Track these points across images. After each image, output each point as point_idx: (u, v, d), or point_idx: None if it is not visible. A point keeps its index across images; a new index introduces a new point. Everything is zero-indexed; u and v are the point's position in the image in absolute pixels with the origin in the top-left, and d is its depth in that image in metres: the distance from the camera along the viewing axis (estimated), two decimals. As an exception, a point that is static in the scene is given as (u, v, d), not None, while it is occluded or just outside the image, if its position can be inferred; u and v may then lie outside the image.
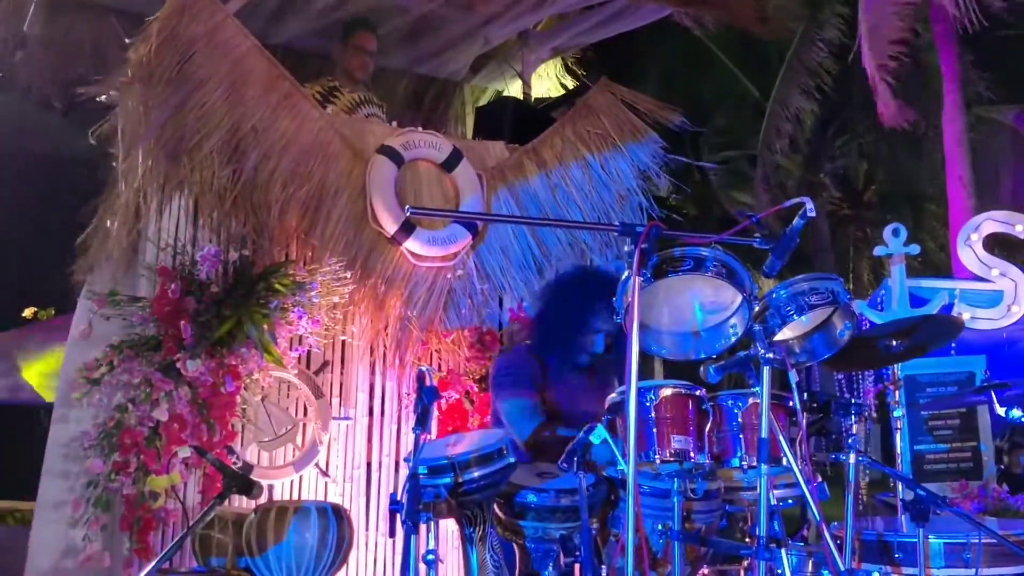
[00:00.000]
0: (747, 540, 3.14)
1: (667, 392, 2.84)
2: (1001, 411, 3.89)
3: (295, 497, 4.26)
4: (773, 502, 2.94)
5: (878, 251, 5.47)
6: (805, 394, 2.96)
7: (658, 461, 2.78)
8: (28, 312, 6.41)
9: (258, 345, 3.95)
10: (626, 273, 2.57)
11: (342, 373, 4.49)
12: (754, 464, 2.74)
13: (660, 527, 2.86)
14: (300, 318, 4.06)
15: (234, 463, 4.00)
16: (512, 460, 2.92)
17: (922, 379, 5.13)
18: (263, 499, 3.68)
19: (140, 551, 3.67)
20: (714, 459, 2.86)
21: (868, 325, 5.10)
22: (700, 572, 3.16)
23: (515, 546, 3.02)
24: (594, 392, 3.62)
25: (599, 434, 2.70)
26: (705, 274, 2.69)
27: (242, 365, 3.95)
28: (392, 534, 2.81)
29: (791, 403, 2.80)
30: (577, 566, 2.80)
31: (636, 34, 6.34)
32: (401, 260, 4.56)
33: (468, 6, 5.47)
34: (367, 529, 4.43)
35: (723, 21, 7.00)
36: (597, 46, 6.28)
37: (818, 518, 2.61)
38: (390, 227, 4.49)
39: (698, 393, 2.88)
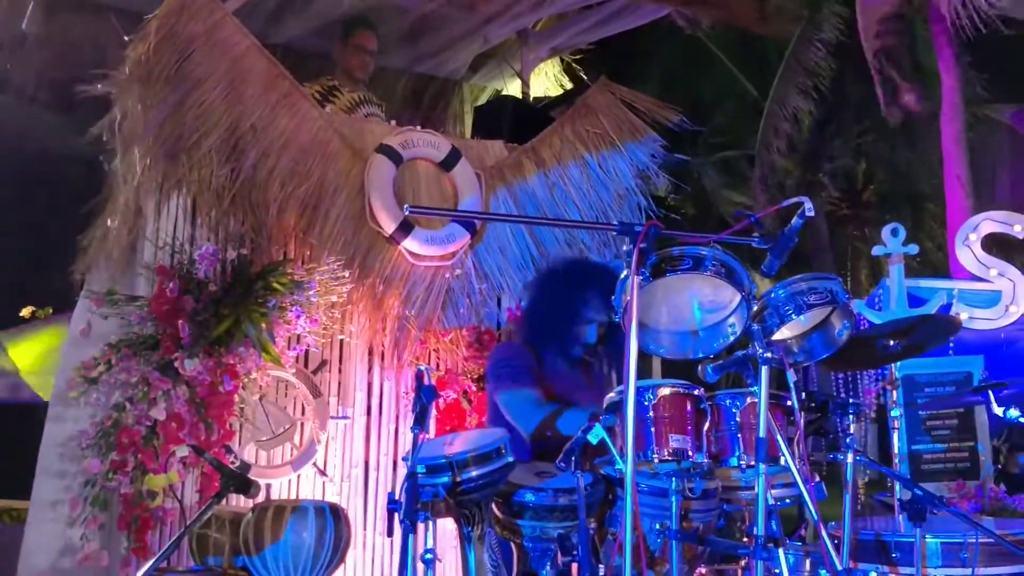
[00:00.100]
0: (745, 539, 3.15)
1: (665, 391, 2.84)
2: (999, 411, 3.89)
3: (293, 496, 4.26)
4: (771, 501, 2.94)
5: (876, 251, 5.47)
6: (803, 394, 2.96)
7: (656, 460, 2.78)
8: (26, 311, 6.40)
9: (256, 344, 3.95)
10: (625, 272, 2.57)
11: (340, 372, 4.49)
12: (752, 463, 2.74)
13: (658, 526, 2.86)
14: (298, 317, 4.06)
15: (232, 462, 4.00)
16: (510, 459, 2.93)
17: (920, 379, 5.12)
18: (261, 498, 3.67)
19: (138, 550, 3.67)
20: (712, 458, 2.86)
21: (867, 325, 5.10)
22: (697, 571, 3.17)
23: (513, 545, 3.02)
24: (590, 386, 3.62)
25: (597, 433, 2.70)
26: (704, 273, 2.69)
27: (240, 364, 3.94)
28: (390, 533, 2.81)
29: (789, 403, 2.81)
30: (575, 565, 2.80)
31: (636, 34, 6.35)
32: (399, 259, 4.56)
33: (468, 5, 5.47)
34: (365, 528, 4.43)
35: (722, 21, 7.00)
36: (596, 45, 6.27)
37: (816, 518, 2.62)
38: (388, 226, 4.49)
39: (696, 392, 2.88)
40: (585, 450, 2.75)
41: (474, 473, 2.83)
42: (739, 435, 2.85)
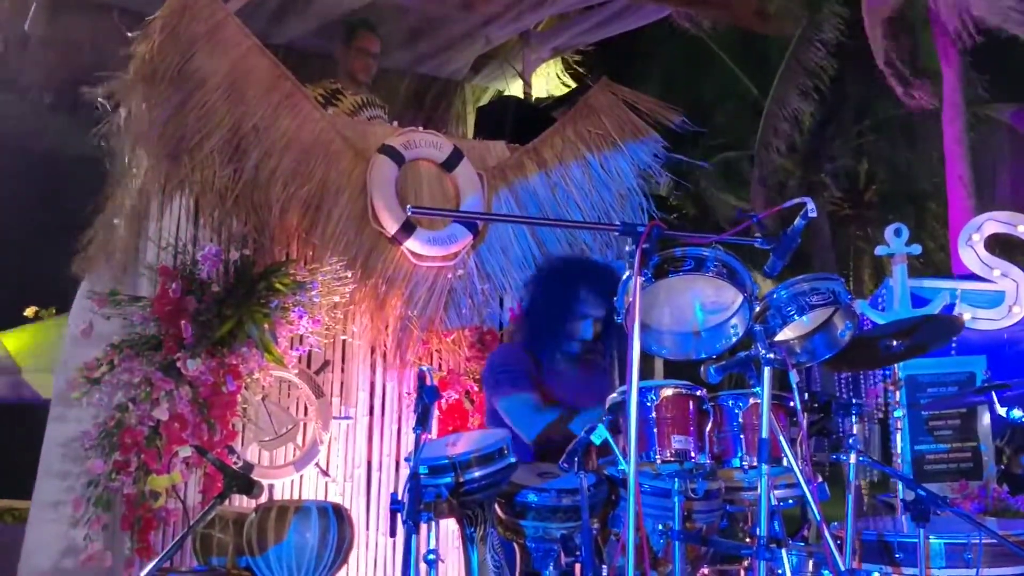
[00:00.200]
0: (748, 540, 3.14)
1: (668, 392, 2.83)
2: (1002, 411, 3.89)
3: (296, 497, 4.26)
4: (774, 502, 2.93)
5: (879, 251, 5.46)
6: (806, 394, 2.96)
7: (659, 461, 2.78)
8: (29, 311, 6.41)
9: (259, 344, 3.95)
10: (627, 273, 2.57)
11: (343, 372, 4.49)
12: (755, 464, 2.74)
13: (661, 527, 2.85)
14: (301, 317, 4.06)
15: (235, 463, 4.00)
16: (513, 460, 2.92)
17: (923, 379, 5.12)
18: (264, 499, 3.68)
19: (141, 550, 3.67)
20: (715, 459, 2.85)
21: (870, 325, 5.10)
22: (700, 572, 3.17)
23: (516, 546, 3.02)
24: (590, 384, 3.61)
25: (600, 434, 2.70)
26: (706, 274, 2.69)
27: (243, 364, 3.95)
28: (393, 534, 2.82)
29: (792, 403, 2.80)
30: (578, 566, 2.80)
31: (637, 34, 6.35)
32: (402, 260, 4.56)
33: (469, 6, 5.47)
34: (368, 529, 4.43)
35: (724, 21, 7.00)
36: (598, 46, 6.28)
37: (818, 518, 2.62)
38: (391, 227, 4.49)
39: (699, 393, 2.88)
40: (588, 451, 2.75)
41: (477, 474, 2.83)
42: (742, 436, 2.84)
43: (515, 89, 6.14)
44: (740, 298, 2.76)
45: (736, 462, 2.85)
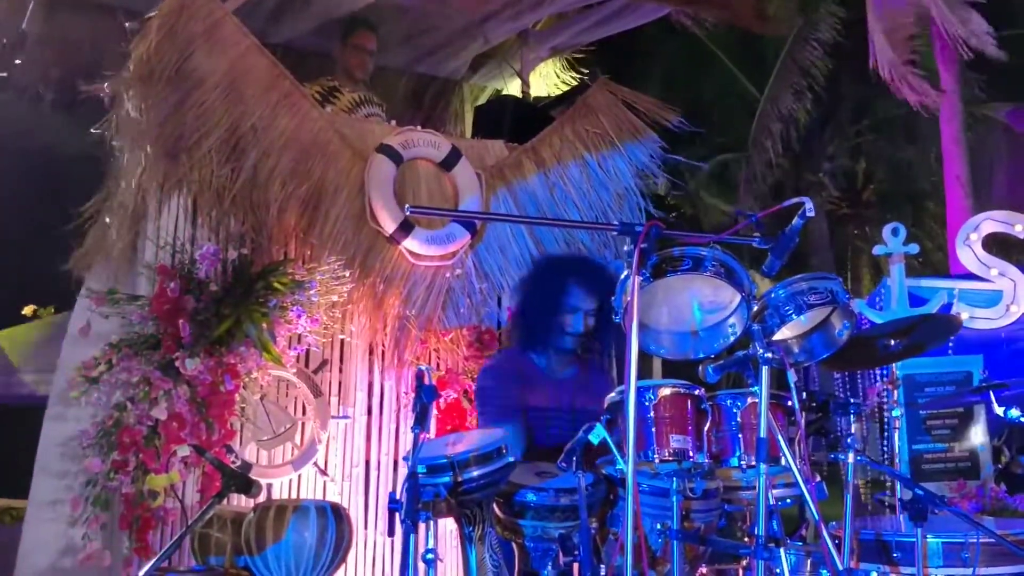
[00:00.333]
0: (746, 539, 3.15)
1: (666, 391, 2.84)
2: (999, 411, 3.90)
3: (294, 496, 4.26)
4: (772, 501, 2.94)
5: (877, 250, 5.48)
6: (804, 394, 2.96)
7: (657, 460, 2.78)
8: (28, 310, 6.41)
9: (257, 344, 3.95)
10: (625, 272, 2.57)
11: (341, 372, 4.49)
12: (753, 463, 2.74)
13: (659, 526, 2.86)
14: (299, 317, 4.06)
15: (233, 462, 4.00)
16: (511, 459, 2.92)
17: (920, 378, 5.13)
18: (262, 498, 3.67)
19: (139, 550, 3.67)
20: (713, 458, 2.86)
21: (867, 324, 5.10)
22: (699, 571, 3.17)
23: (514, 545, 3.02)
24: (587, 384, 3.60)
25: (598, 433, 2.70)
26: (704, 274, 2.69)
27: (241, 364, 3.94)
28: (391, 533, 2.81)
29: (790, 403, 2.81)
30: (576, 565, 2.80)
31: (636, 33, 6.35)
32: (400, 259, 4.56)
33: (468, 5, 5.46)
34: (366, 528, 4.43)
35: (723, 20, 7.00)
36: (597, 45, 6.28)
37: (817, 517, 2.62)
38: (389, 226, 4.49)
39: (697, 393, 2.88)
40: (586, 450, 2.75)
41: (475, 473, 2.83)
42: (740, 435, 2.85)
43: (513, 88, 6.14)
44: (738, 297, 2.76)
45: (734, 461, 2.85)
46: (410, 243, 4.53)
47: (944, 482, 4.84)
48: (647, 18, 5.94)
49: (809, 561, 3.08)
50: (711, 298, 2.83)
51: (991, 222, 5.64)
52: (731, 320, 2.84)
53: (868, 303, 5.49)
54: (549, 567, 2.92)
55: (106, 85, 4.05)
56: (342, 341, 4.49)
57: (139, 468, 3.70)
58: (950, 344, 5.04)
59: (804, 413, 2.93)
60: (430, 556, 2.71)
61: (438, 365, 4.66)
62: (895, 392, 4.98)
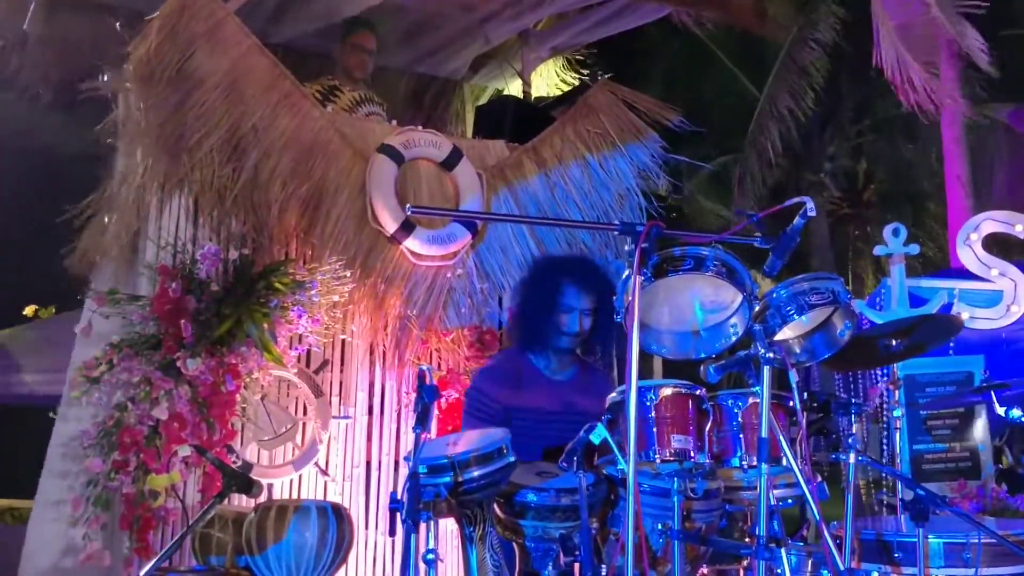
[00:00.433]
0: (747, 540, 3.14)
1: (667, 391, 2.83)
2: (1000, 411, 3.90)
3: (295, 496, 4.26)
4: (773, 502, 2.93)
5: (878, 251, 5.48)
6: (805, 394, 2.96)
7: (658, 460, 2.78)
8: (29, 310, 6.42)
9: (258, 344, 3.95)
10: (627, 272, 2.57)
11: (342, 372, 4.49)
12: (754, 464, 2.74)
13: (660, 526, 2.85)
14: (300, 317, 4.06)
15: (234, 462, 4.00)
16: (512, 459, 2.92)
17: (921, 379, 5.13)
18: (263, 498, 3.68)
19: (140, 550, 3.67)
20: (714, 458, 2.85)
21: (868, 325, 5.10)
22: (700, 571, 3.16)
23: (515, 545, 3.02)
24: (586, 384, 3.59)
25: (599, 433, 2.70)
26: (705, 273, 2.69)
27: (242, 364, 3.95)
28: (392, 533, 2.81)
29: (791, 403, 2.80)
30: (577, 565, 2.80)
31: (637, 34, 6.35)
32: (401, 259, 4.56)
33: (468, 5, 5.46)
34: (367, 528, 4.44)
35: (723, 20, 7.01)
36: (597, 45, 6.28)
37: (818, 518, 2.62)
38: (390, 226, 4.49)
39: (698, 393, 2.88)
40: (587, 450, 2.75)
41: (476, 473, 2.82)
42: (741, 435, 2.84)
43: (514, 88, 6.14)
44: (739, 297, 2.76)
45: (735, 461, 2.85)
46: (411, 243, 4.53)
47: (945, 482, 4.84)
48: (647, 18, 5.94)
49: (810, 561, 3.07)
50: (712, 298, 2.83)
51: (991, 222, 5.64)
52: (732, 320, 2.84)
53: (868, 303, 5.49)
54: (550, 567, 2.91)
55: (107, 85, 4.05)
56: (343, 341, 4.49)
57: (140, 468, 3.70)
58: (951, 344, 5.04)
59: (805, 413, 2.93)
60: (431, 556, 2.71)
61: (439, 365, 4.66)
62: (896, 392, 4.97)
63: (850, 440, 3.00)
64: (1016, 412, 3.85)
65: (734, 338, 2.86)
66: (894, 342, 3.44)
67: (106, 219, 4.16)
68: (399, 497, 2.67)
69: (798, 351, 3.03)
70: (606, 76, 5.34)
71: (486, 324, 4.75)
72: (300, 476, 4.29)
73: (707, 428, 2.85)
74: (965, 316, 5.20)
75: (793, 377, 2.73)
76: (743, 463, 2.84)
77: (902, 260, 5.36)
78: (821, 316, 2.96)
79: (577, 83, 6.16)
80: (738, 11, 6.01)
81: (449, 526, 4.09)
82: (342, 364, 4.49)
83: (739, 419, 2.86)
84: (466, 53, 5.99)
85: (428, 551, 2.71)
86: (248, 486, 3.09)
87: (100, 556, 3.67)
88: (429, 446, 2.84)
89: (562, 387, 3.57)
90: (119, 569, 3.71)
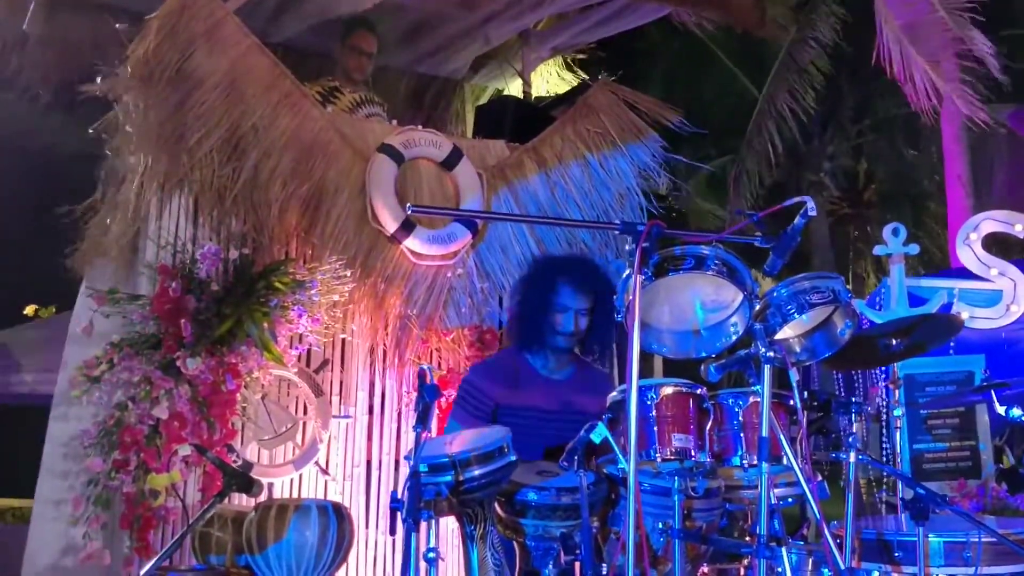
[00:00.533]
0: (747, 538, 3.15)
1: (668, 390, 2.83)
2: (1001, 410, 3.90)
3: (295, 495, 4.26)
4: (773, 501, 2.94)
5: (878, 250, 5.48)
6: (805, 393, 2.96)
7: (659, 459, 2.78)
8: (29, 309, 6.42)
9: (258, 343, 3.95)
10: (627, 271, 2.57)
11: (342, 371, 4.49)
12: (754, 463, 2.74)
13: (661, 525, 2.85)
14: (300, 316, 4.06)
15: (234, 461, 4.00)
16: (513, 458, 2.92)
17: (921, 378, 5.13)
18: (263, 497, 3.68)
19: (140, 549, 3.67)
20: (715, 457, 2.85)
21: (867, 324, 5.10)
22: (700, 570, 3.17)
23: (516, 544, 3.02)
24: (584, 383, 3.59)
25: (600, 432, 2.70)
26: (706, 273, 2.70)
27: (242, 363, 3.95)
28: (393, 532, 2.81)
29: (792, 402, 2.81)
30: (577, 564, 2.80)
31: (637, 34, 6.35)
32: (401, 259, 4.56)
33: (469, 5, 5.46)
34: (367, 527, 4.43)
35: (723, 21, 7.01)
36: (598, 45, 6.28)
37: (818, 517, 2.62)
38: (390, 225, 4.49)
39: (699, 392, 2.88)
40: (588, 449, 2.75)
41: (477, 472, 2.82)
42: (741, 434, 2.85)
43: (514, 88, 6.14)
44: (740, 296, 2.76)
45: (736, 460, 2.85)
46: (411, 243, 4.53)
47: (945, 481, 4.84)
48: (648, 18, 5.95)
49: (811, 560, 3.07)
50: (713, 297, 2.83)
51: (991, 222, 5.65)
52: (733, 319, 2.84)
53: (868, 303, 5.49)
54: (550, 566, 2.91)
55: (107, 85, 4.05)
56: (343, 340, 4.49)
57: (140, 467, 3.70)
58: (952, 344, 5.04)
59: (806, 412, 2.93)
60: (431, 555, 2.71)
61: (439, 364, 4.66)
62: (896, 392, 4.98)
63: (850, 439, 3.00)
64: (1016, 411, 3.85)
65: (735, 337, 2.86)
66: (894, 341, 3.44)
67: (107, 220, 4.16)
68: (400, 496, 2.67)
69: (798, 350, 3.03)
70: (607, 76, 5.33)
71: (486, 324, 4.75)
72: (300, 475, 4.29)
73: (708, 427, 2.85)
74: (965, 316, 5.20)
75: (793, 376, 2.73)
76: (744, 462, 2.84)
77: (901, 260, 5.36)
78: (821, 315, 2.96)
79: (577, 83, 6.16)
80: (738, 11, 6.00)
81: (450, 525, 4.09)
82: (342, 363, 4.49)
83: (740, 418, 2.86)
84: (466, 53, 5.98)
85: (429, 550, 2.71)
86: (248, 485, 3.10)
87: (100, 555, 3.67)
88: (430, 445, 2.84)
89: (560, 386, 3.57)
90: (119, 568, 3.71)
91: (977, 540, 3.03)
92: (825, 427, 3.10)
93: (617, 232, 2.69)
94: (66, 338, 4.07)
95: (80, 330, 3.98)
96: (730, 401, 2.89)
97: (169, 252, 4.03)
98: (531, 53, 5.88)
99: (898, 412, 4.89)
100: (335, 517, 3.56)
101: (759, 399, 2.64)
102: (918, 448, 5.04)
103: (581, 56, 6.43)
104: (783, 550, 2.65)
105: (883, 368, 5.15)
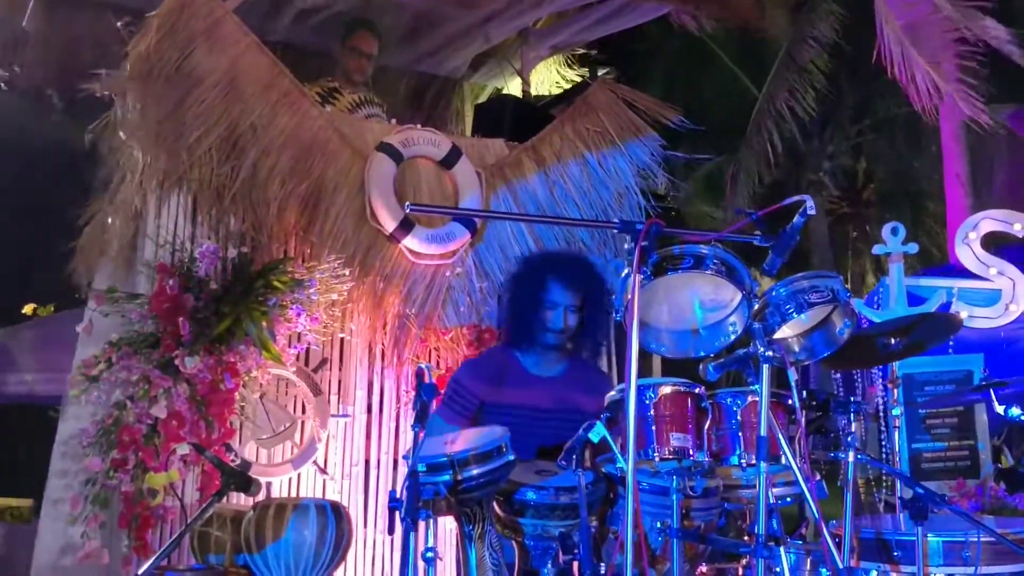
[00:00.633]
0: (746, 538, 3.15)
1: (666, 390, 2.83)
2: (1000, 409, 3.90)
3: (294, 494, 4.26)
4: (772, 500, 2.94)
5: (877, 250, 5.48)
6: (804, 392, 2.96)
7: (657, 459, 2.78)
8: (28, 308, 6.41)
9: (257, 342, 3.95)
10: (626, 271, 2.57)
11: (340, 370, 4.48)
12: (753, 462, 2.74)
13: (659, 525, 2.85)
14: (299, 315, 4.06)
15: (232, 460, 4.00)
16: (511, 458, 2.92)
17: (920, 377, 5.13)
18: (261, 496, 3.67)
19: (139, 548, 3.67)
20: (713, 457, 2.85)
21: (866, 324, 5.10)
22: (699, 570, 3.17)
23: (514, 543, 3.02)
24: (577, 382, 3.58)
25: (598, 431, 2.70)
26: (705, 272, 2.69)
27: (241, 362, 3.94)
28: (391, 531, 2.81)
29: (790, 401, 2.81)
30: (576, 564, 2.80)
31: (637, 33, 6.35)
32: (400, 258, 4.56)
33: (468, 4, 5.46)
34: (366, 526, 4.43)
35: (723, 19, 7.00)
36: (597, 44, 6.28)
37: (817, 516, 2.62)
38: (389, 224, 4.49)
39: (697, 391, 2.88)
40: (586, 448, 2.75)
41: (475, 471, 2.82)
42: (740, 433, 2.85)
43: (514, 87, 6.14)
44: (739, 296, 2.76)
45: (734, 460, 2.85)
46: (410, 241, 4.53)
47: (943, 481, 4.84)
48: (647, 16, 5.95)
49: (809, 560, 3.07)
50: (712, 296, 2.82)
51: (990, 221, 5.64)
52: (732, 318, 2.84)
53: (867, 302, 5.49)
54: (549, 565, 2.91)
55: (106, 83, 4.05)
56: (342, 339, 4.49)
57: (138, 466, 3.70)
58: (950, 343, 5.04)
59: (804, 411, 2.93)
60: (430, 554, 2.71)
61: (438, 363, 4.66)
62: (895, 391, 4.97)
63: (849, 438, 3.00)
64: (1015, 410, 3.85)
65: (733, 336, 2.86)
66: (893, 341, 3.43)
67: (106, 218, 4.15)
68: (398, 495, 2.68)
69: (797, 349, 3.03)
70: (606, 74, 5.33)
71: (485, 323, 4.74)
72: (299, 474, 4.28)
73: (706, 426, 2.85)
74: (964, 315, 5.20)
75: (792, 375, 2.73)
76: (742, 461, 2.84)
77: (900, 259, 5.36)
78: (820, 314, 2.96)
79: (577, 81, 6.16)
80: (737, 9, 6.01)
81: (448, 524, 4.09)
82: (341, 362, 4.49)
83: (738, 417, 2.86)
84: (466, 52, 5.99)
85: (427, 549, 2.71)
86: (247, 484, 3.09)
87: (99, 554, 3.67)
88: (428, 444, 2.84)
89: (552, 384, 3.56)
90: (118, 567, 3.71)
91: (976, 540, 3.03)
92: (824, 426, 3.10)
93: (616, 231, 2.69)
94: (68, 338, 4.06)
95: (81, 329, 3.98)
96: (728, 400, 2.89)
97: (168, 251, 4.03)
98: (530, 52, 5.88)
99: (897, 411, 4.89)
100: (333, 516, 3.56)
101: (758, 398, 2.64)
102: (917, 447, 5.04)
103: (580, 54, 6.43)
104: (781, 550, 2.65)
105: (882, 367, 5.15)
